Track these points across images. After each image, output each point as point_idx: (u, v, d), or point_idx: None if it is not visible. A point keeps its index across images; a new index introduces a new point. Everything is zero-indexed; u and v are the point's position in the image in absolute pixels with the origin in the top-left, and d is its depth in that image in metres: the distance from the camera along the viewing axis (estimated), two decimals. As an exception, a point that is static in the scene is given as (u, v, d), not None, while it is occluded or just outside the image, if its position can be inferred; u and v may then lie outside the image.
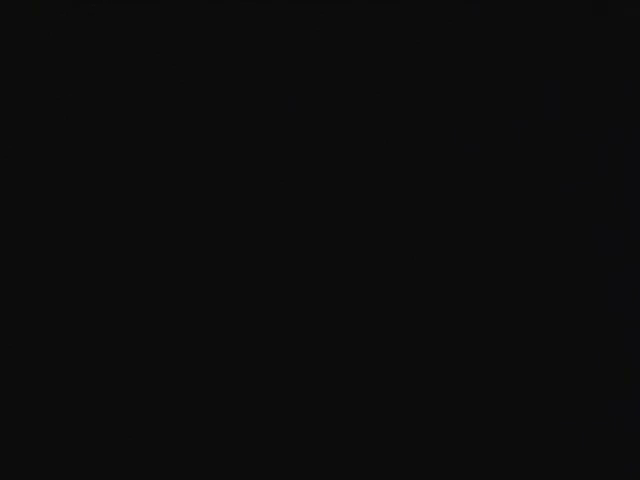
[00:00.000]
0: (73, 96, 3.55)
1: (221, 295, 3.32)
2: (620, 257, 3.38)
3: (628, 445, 2.98)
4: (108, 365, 3.20)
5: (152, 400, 3.16)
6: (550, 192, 3.48)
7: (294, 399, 3.18)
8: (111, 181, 3.45)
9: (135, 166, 3.46)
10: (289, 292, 3.32)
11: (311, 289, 3.31)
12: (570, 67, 3.51)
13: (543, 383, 3.15)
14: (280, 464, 3.12)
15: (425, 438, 3.14)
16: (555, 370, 3.18)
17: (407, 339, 3.27)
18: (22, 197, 3.44)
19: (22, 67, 3.55)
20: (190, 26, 3.62)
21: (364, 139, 3.56)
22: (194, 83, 3.65)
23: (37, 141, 3.49)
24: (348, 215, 3.43)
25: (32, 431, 3.11)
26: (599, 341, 3.20)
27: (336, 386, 3.21)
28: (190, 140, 3.51)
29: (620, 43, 3.43)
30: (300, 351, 3.26)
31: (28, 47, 3.57)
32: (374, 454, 3.15)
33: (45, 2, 3.52)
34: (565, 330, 3.25)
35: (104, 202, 3.44)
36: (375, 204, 3.45)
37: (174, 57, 3.62)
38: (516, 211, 3.50)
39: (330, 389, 3.20)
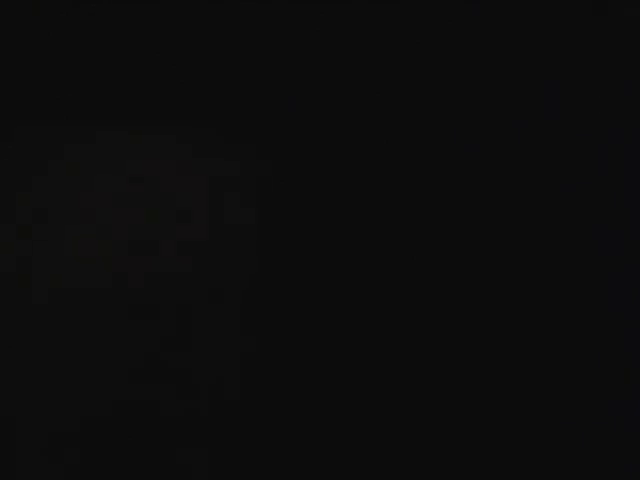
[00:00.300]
0: (72, 96, 3.54)
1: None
2: (620, 257, 3.38)
3: (628, 445, 2.98)
4: None
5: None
6: (550, 192, 3.48)
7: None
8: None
9: (134, 170, 3.46)
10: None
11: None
12: (570, 67, 3.51)
13: (543, 383, 3.15)
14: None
15: (426, 437, 3.14)
16: (555, 370, 3.18)
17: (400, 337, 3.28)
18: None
19: (22, 66, 3.54)
20: (190, 26, 3.62)
21: (364, 139, 3.56)
22: (194, 82, 3.65)
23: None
24: (347, 214, 3.43)
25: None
26: (599, 341, 3.20)
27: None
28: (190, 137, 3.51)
29: (620, 43, 3.43)
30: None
31: (28, 47, 3.57)
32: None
33: (45, 2, 3.52)
34: (565, 330, 3.25)
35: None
36: (375, 204, 3.45)
37: (174, 56, 3.62)
38: (516, 211, 3.50)
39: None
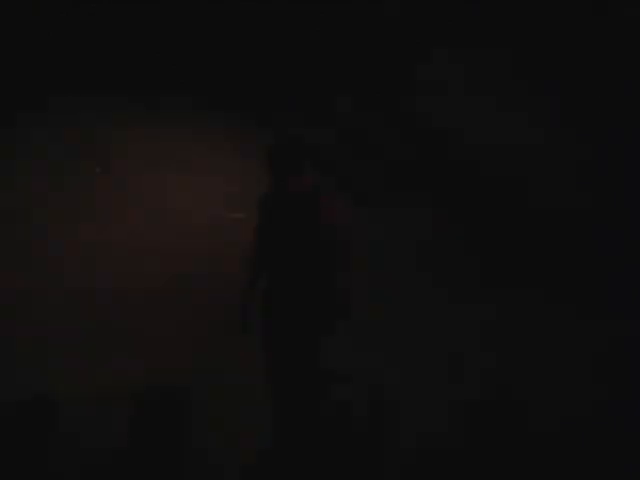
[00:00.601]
0: (73, 96, 3.55)
1: None
2: (620, 257, 3.38)
3: (628, 445, 2.97)
4: None
5: None
6: (550, 192, 3.49)
7: None
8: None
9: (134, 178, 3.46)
10: None
11: None
12: (570, 67, 3.51)
13: (543, 383, 3.15)
14: None
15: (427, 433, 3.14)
16: (555, 370, 3.18)
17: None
18: None
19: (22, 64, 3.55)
20: (190, 26, 3.62)
21: (363, 138, 3.56)
22: (194, 80, 3.65)
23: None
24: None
25: None
26: (599, 341, 3.20)
27: None
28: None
29: (620, 43, 3.43)
30: None
31: (28, 46, 3.57)
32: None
33: (45, 2, 3.53)
34: (565, 330, 3.25)
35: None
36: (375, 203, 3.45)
37: (174, 55, 3.62)
38: (516, 211, 3.50)
39: None
